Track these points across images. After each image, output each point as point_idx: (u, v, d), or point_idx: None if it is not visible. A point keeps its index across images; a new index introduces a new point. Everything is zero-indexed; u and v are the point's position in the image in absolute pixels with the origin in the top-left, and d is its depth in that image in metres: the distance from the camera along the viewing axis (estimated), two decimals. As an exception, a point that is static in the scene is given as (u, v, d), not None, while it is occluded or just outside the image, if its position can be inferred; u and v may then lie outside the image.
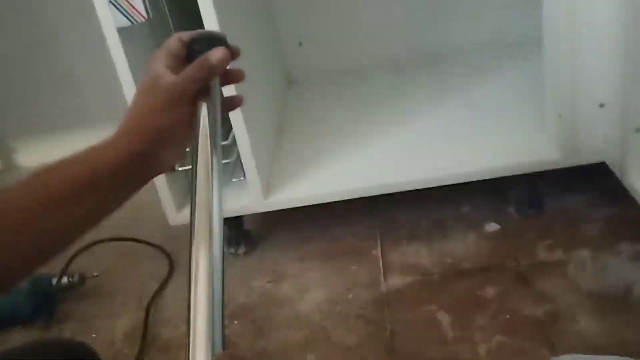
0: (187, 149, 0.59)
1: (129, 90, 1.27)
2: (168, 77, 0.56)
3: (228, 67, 0.61)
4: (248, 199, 1.40)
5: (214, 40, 0.61)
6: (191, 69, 0.57)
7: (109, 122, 2.29)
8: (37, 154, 2.23)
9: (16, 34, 2.03)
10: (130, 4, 1.17)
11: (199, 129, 0.56)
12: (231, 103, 0.65)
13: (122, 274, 1.54)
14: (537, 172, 1.34)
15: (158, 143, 0.55)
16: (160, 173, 0.58)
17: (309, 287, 1.36)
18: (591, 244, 1.28)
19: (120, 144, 0.55)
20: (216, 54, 0.58)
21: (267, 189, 1.42)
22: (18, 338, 1.39)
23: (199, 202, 0.52)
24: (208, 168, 0.54)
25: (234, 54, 0.62)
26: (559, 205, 1.41)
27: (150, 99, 0.56)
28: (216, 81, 0.60)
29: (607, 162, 1.29)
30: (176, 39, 0.60)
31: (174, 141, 0.57)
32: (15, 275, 0.51)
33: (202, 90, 0.58)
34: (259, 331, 1.27)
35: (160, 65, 0.57)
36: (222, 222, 0.52)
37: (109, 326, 1.38)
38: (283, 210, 1.43)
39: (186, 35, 0.61)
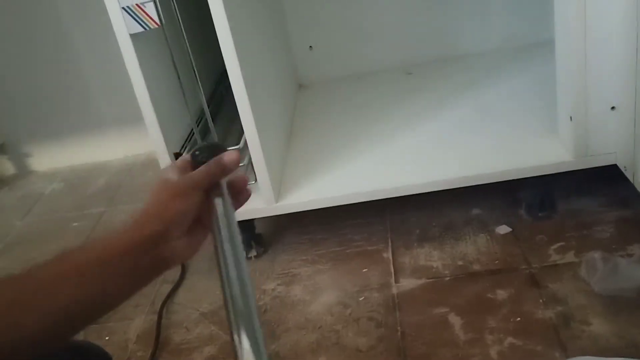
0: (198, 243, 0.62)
1: (141, 95, 1.28)
2: (175, 175, 0.61)
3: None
4: (259, 202, 1.41)
5: (216, 149, 0.64)
6: (206, 166, 0.62)
7: (120, 127, 2.33)
8: (50, 159, 2.26)
9: (29, 41, 2.05)
10: (143, 11, 1.18)
11: (216, 224, 0.60)
12: (239, 197, 0.66)
13: (134, 277, 1.55)
14: (548, 175, 1.34)
15: (169, 227, 0.58)
16: (173, 262, 0.60)
17: (321, 290, 1.37)
18: (602, 246, 1.27)
19: (136, 228, 0.57)
20: (230, 155, 0.63)
21: (279, 192, 1.43)
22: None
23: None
24: (232, 259, 0.57)
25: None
26: (570, 208, 1.41)
27: (162, 192, 0.59)
28: (224, 182, 0.63)
29: (618, 165, 1.29)
30: (182, 159, 0.65)
31: (184, 227, 0.59)
32: (22, 356, 0.51)
33: (213, 189, 0.62)
34: (271, 334, 1.28)
35: (169, 173, 0.61)
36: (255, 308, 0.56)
37: (122, 329, 1.39)
38: (294, 213, 1.43)
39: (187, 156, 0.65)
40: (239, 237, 0.59)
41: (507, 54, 1.86)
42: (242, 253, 0.58)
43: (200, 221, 0.62)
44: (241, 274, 0.57)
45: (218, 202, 0.61)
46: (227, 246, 0.58)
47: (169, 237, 0.58)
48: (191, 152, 0.65)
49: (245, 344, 0.51)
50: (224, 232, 0.59)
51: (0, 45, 2.06)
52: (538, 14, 1.80)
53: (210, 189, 0.62)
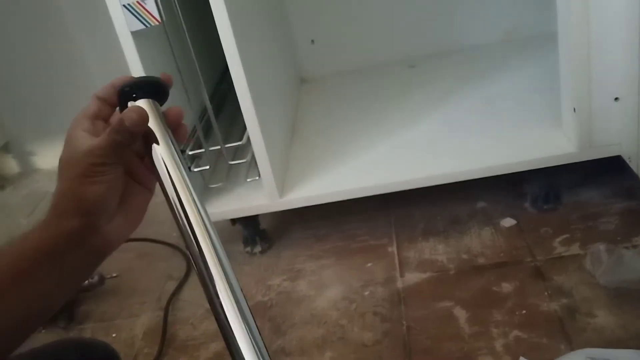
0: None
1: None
2: (85, 143, 0.52)
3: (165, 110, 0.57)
4: (263, 198, 1.41)
5: (146, 86, 0.56)
6: (108, 135, 0.51)
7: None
8: (55, 157, 2.25)
9: (32, 39, 2.05)
10: (144, 8, 1.18)
11: (161, 174, 0.53)
12: (176, 135, 0.57)
13: (140, 274, 1.56)
14: (552, 167, 1.34)
15: (90, 217, 0.51)
16: (113, 245, 0.53)
17: (326, 285, 1.37)
18: (607, 238, 1.27)
19: (52, 224, 0.51)
20: (131, 115, 0.52)
21: (282, 188, 1.43)
22: (39, 339, 1.41)
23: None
24: (191, 205, 0.51)
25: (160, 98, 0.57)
26: (575, 200, 1.41)
27: (71, 171, 0.51)
28: (158, 128, 0.54)
29: (622, 156, 1.29)
30: (93, 99, 0.56)
31: (109, 210, 0.52)
32: None
33: (144, 139, 0.54)
34: (276, 329, 1.28)
35: (78, 130, 0.53)
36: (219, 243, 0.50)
37: (129, 326, 1.40)
38: (298, 208, 1.44)
39: (106, 88, 0.57)
40: (187, 179, 0.52)
41: (510, 46, 1.85)
42: (202, 206, 0.51)
43: (134, 183, 0.55)
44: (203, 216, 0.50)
45: (156, 153, 0.53)
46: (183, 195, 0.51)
47: (95, 227, 0.51)
48: (119, 87, 0.56)
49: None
50: (174, 177, 0.52)
51: (3, 44, 2.06)
52: (541, 5, 1.79)
53: (141, 141, 0.53)
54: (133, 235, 0.57)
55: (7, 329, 0.49)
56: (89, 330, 1.42)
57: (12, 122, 2.22)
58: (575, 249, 1.28)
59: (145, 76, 0.59)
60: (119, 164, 0.52)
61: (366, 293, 1.32)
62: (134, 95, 0.55)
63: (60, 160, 0.53)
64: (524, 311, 1.17)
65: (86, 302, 1.49)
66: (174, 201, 0.51)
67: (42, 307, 0.52)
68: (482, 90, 1.65)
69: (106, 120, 0.56)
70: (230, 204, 1.44)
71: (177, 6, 1.27)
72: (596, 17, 1.17)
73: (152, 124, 0.54)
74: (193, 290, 1.46)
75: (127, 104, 0.55)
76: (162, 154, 0.53)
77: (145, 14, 1.19)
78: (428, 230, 1.45)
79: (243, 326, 0.45)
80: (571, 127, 1.31)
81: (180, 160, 0.53)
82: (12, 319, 0.49)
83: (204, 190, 1.46)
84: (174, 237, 1.63)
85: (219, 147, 1.41)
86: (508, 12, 1.86)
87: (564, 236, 1.32)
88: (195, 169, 1.38)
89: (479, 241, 1.37)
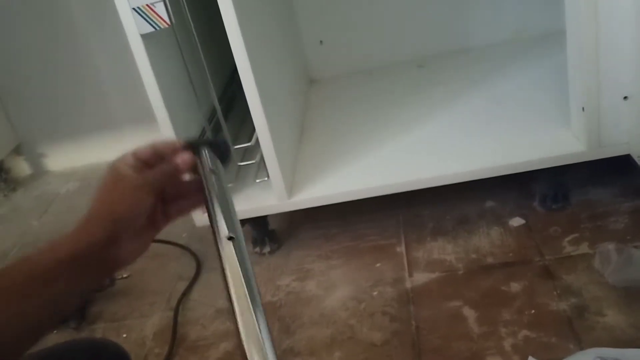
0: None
1: (153, 94, 1.29)
2: (129, 172, 0.58)
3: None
4: (272, 199, 1.42)
5: (212, 145, 0.66)
6: (159, 166, 0.60)
7: (133, 125, 2.34)
8: (65, 158, 2.28)
9: (42, 41, 2.07)
10: (154, 11, 1.19)
11: (211, 221, 0.60)
12: None
13: (151, 274, 1.57)
14: (561, 166, 1.34)
15: (118, 229, 0.56)
16: (120, 264, 0.59)
17: (335, 285, 1.38)
18: (617, 237, 1.27)
19: (82, 233, 0.56)
20: (183, 156, 0.62)
21: (291, 188, 1.43)
22: (51, 339, 1.42)
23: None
24: (227, 261, 0.56)
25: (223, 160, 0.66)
26: (584, 199, 1.40)
27: (113, 188, 0.58)
28: (219, 181, 0.63)
29: (631, 155, 1.28)
30: (149, 147, 0.62)
31: (133, 229, 0.58)
32: None
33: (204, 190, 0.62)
34: (286, 329, 1.29)
35: (123, 164, 0.59)
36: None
37: (139, 326, 1.41)
38: (307, 209, 1.44)
39: (165, 143, 0.64)
40: (233, 230, 0.58)
41: (518, 46, 1.85)
42: (233, 254, 0.56)
43: (151, 223, 0.61)
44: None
45: (209, 198, 0.61)
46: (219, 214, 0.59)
47: (117, 240, 0.57)
48: (191, 140, 0.65)
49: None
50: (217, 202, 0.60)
51: (14, 46, 2.08)
52: (550, 4, 1.79)
53: (194, 165, 0.62)
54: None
55: (27, 330, 0.52)
56: (100, 331, 1.43)
57: (23, 124, 2.24)
58: (584, 248, 1.28)
59: (215, 139, 0.70)
60: (154, 195, 0.59)
61: (375, 293, 1.32)
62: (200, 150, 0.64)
63: (101, 182, 0.59)
64: (533, 311, 1.17)
65: (97, 303, 1.50)
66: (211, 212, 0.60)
67: (57, 310, 0.55)
68: (490, 90, 1.65)
69: (149, 167, 0.62)
70: (239, 204, 1.45)
71: (186, 9, 1.28)
72: (605, 15, 1.17)
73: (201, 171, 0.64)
74: (203, 291, 1.47)
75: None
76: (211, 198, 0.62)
77: (155, 17, 1.20)
78: (437, 230, 1.45)
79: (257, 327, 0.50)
80: (580, 126, 1.31)
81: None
82: (33, 320, 0.52)
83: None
84: (184, 237, 1.64)
85: (228, 148, 1.42)
86: (516, 11, 1.86)
87: (573, 235, 1.32)
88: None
89: (487, 241, 1.37)
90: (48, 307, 0.53)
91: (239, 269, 0.54)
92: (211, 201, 0.61)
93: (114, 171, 0.59)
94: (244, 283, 0.53)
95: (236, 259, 0.55)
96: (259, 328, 0.50)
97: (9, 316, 0.51)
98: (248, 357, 0.48)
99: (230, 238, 0.57)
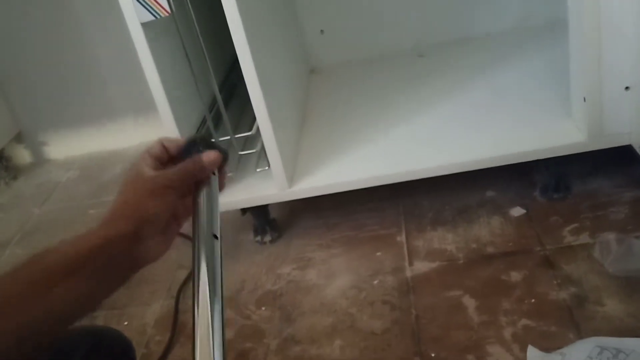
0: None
1: (154, 83, 1.29)
2: (151, 172, 0.60)
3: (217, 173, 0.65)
4: (273, 188, 1.42)
5: (209, 145, 0.65)
6: (183, 164, 0.61)
7: (136, 115, 2.34)
8: (66, 147, 2.28)
9: (43, 30, 2.07)
10: (154, 0, 1.19)
11: (198, 216, 0.61)
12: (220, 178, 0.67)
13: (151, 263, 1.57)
14: (562, 156, 1.34)
15: (143, 226, 0.57)
16: (147, 261, 0.60)
17: (335, 274, 1.38)
18: (617, 227, 1.27)
19: (106, 228, 0.56)
20: (210, 155, 0.63)
21: (292, 177, 1.44)
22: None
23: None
24: (209, 256, 0.58)
25: (224, 160, 0.65)
26: (585, 189, 1.41)
27: (137, 188, 0.59)
28: (215, 181, 0.64)
29: (633, 145, 1.28)
30: (159, 143, 0.64)
31: (158, 227, 0.59)
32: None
33: (199, 186, 0.62)
34: (286, 318, 1.29)
35: (143, 165, 0.61)
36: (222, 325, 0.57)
37: (141, 314, 1.42)
38: (308, 198, 1.44)
39: (170, 140, 0.65)
40: (218, 230, 0.60)
41: (520, 35, 1.84)
42: (220, 255, 0.58)
43: (174, 218, 0.62)
44: (214, 277, 0.57)
45: (202, 195, 0.62)
46: (202, 242, 0.59)
47: (142, 237, 0.57)
48: (188, 139, 0.65)
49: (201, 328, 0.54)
50: (202, 229, 0.60)
51: (15, 35, 2.08)
52: (552, -7, 1.79)
53: (195, 187, 0.62)
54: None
55: (47, 325, 0.51)
56: (101, 318, 1.43)
57: (24, 112, 2.24)
58: (584, 238, 1.28)
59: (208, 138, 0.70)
60: (179, 192, 0.60)
61: (375, 282, 1.33)
62: (200, 148, 0.64)
63: (124, 182, 0.60)
64: (533, 300, 1.17)
65: (98, 291, 1.50)
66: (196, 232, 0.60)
67: (80, 307, 0.54)
68: (492, 79, 1.65)
69: (163, 164, 0.63)
70: (240, 193, 1.45)
71: (187, -3, 1.28)
72: (607, 5, 1.16)
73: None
74: (204, 279, 1.47)
75: (191, 153, 0.63)
76: (205, 198, 0.62)
77: (155, 5, 1.20)
78: (437, 219, 1.45)
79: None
80: (581, 116, 1.31)
81: (216, 215, 0.62)
82: (53, 315, 0.51)
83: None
84: (184, 227, 1.64)
85: (228, 137, 1.42)
86: (518, 1, 1.85)
87: (574, 225, 1.32)
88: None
89: (488, 230, 1.38)
90: (70, 303, 0.52)
91: (219, 268, 0.57)
92: (202, 198, 0.61)
93: (136, 172, 0.60)
94: (215, 282, 0.56)
95: (218, 257, 0.57)
96: (212, 327, 0.54)
97: (30, 308, 0.50)
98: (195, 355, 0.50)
99: (215, 237, 0.58)
